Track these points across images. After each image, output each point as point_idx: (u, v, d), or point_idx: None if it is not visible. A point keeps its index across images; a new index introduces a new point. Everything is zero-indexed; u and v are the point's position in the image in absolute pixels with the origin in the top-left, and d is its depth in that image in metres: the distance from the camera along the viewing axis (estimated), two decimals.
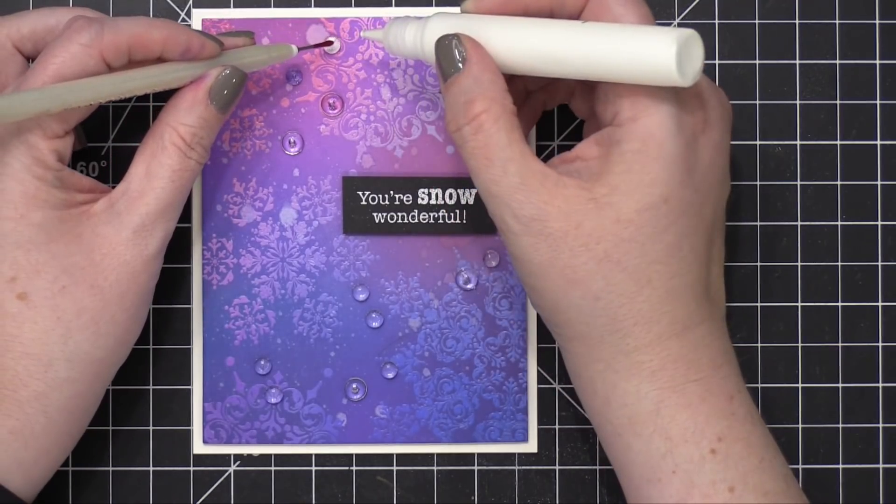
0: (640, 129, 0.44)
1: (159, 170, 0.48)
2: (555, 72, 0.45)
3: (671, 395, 0.45)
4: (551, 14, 0.47)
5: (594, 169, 0.45)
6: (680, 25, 0.54)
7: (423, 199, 0.53)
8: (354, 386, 0.54)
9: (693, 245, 0.45)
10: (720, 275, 0.47)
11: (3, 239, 0.46)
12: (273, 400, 0.54)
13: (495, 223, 0.46)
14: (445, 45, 0.46)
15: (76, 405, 0.48)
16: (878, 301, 0.55)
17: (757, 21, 0.55)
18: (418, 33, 0.48)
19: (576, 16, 0.46)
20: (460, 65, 0.46)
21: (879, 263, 0.55)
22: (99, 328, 0.47)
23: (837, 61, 0.55)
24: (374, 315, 0.54)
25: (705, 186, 0.45)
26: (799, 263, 0.55)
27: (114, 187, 0.48)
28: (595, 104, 0.47)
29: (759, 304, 0.54)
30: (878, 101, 0.55)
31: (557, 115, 0.54)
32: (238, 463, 0.54)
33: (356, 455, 0.54)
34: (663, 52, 0.42)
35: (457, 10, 0.48)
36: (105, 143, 0.54)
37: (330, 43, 0.53)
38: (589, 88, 0.49)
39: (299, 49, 0.52)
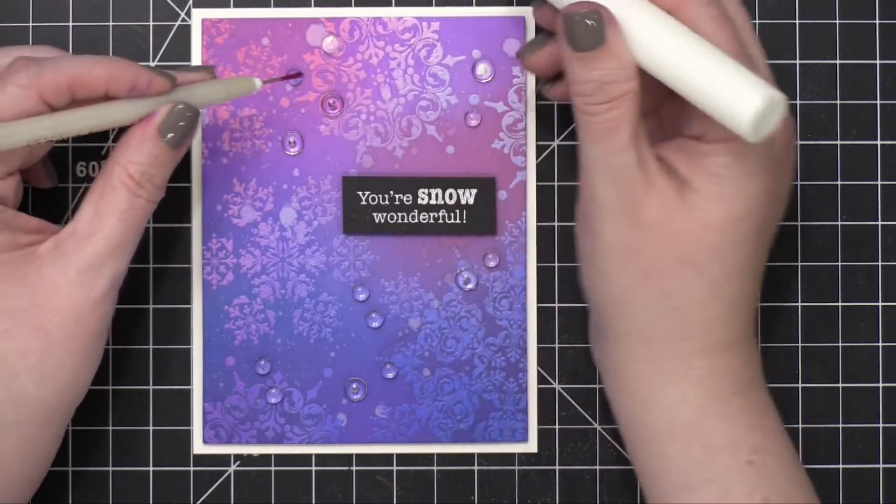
0: (733, 147, 0.44)
1: (107, 209, 0.46)
2: (663, 77, 0.45)
3: (714, 405, 0.46)
4: None
5: (681, 174, 0.45)
6: None
7: (423, 199, 0.53)
8: (354, 386, 0.54)
9: (758, 263, 0.46)
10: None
11: None
12: (273, 400, 0.54)
13: (583, 198, 0.46)
14: (582, 16, 0.44)
15: (29, 450, 0.47)
16: (878, 301, 0.54)
17: (757, 21, 0.54)
18: None
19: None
20: (599, 40, 0.44)
21: (879, 263, 0.55)
22: (45, 370, 0.46)
23: (837, 61, 0.55)
24: (374, 315, 0.54)
25: (779, 209, 0.47)
26: (799, 263, 0.55)
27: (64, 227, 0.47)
28: (681, 116, 0.46)
29: (759, 305, 0.54)
30: (878, 101, 0.54)
31: (557, 114, 0.54)
32: (238, 463, 0.54)
33: (356, 455, 0.54)
34: (746, 108, 0.42)
35: None
36: (105, 143, 0.54)
37: (298, 75, 0.53)
38: (679, 101, 0.47)
39: (263, 83, 0.51)
